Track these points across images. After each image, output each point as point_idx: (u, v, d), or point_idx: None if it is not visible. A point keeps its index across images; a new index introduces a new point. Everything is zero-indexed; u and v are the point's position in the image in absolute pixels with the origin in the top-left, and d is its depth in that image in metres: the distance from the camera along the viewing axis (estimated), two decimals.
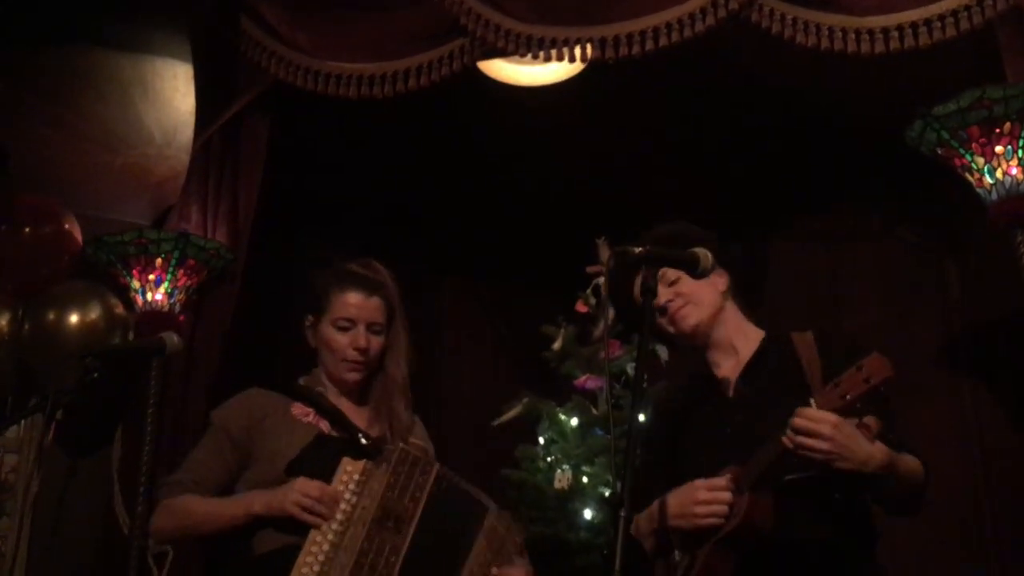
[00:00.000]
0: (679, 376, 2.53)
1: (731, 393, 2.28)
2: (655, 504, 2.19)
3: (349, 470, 2.19)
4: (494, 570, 2.25)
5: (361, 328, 2.36)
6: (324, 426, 2.33)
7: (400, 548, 2.16)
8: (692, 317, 2.30)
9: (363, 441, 2.27)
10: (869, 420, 1.97)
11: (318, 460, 2.23)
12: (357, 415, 2.39)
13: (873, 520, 2.19)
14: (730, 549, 2.07)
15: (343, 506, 2.16)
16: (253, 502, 2.21)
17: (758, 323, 2.37)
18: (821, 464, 1.98)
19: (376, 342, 2.38)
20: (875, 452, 1.97)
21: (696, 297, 2.30)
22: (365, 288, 2.38)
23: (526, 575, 2.31)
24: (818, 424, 1.95)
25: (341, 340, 2.36)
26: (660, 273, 2.17)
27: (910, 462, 2.08)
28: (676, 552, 2.20)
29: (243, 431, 2.31)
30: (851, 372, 1.94)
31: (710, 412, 2.27)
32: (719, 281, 2.33)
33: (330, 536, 2.13)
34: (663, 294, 2.26)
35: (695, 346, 2.37)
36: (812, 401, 1.99)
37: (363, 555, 2.12)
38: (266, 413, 2.33)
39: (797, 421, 1.97)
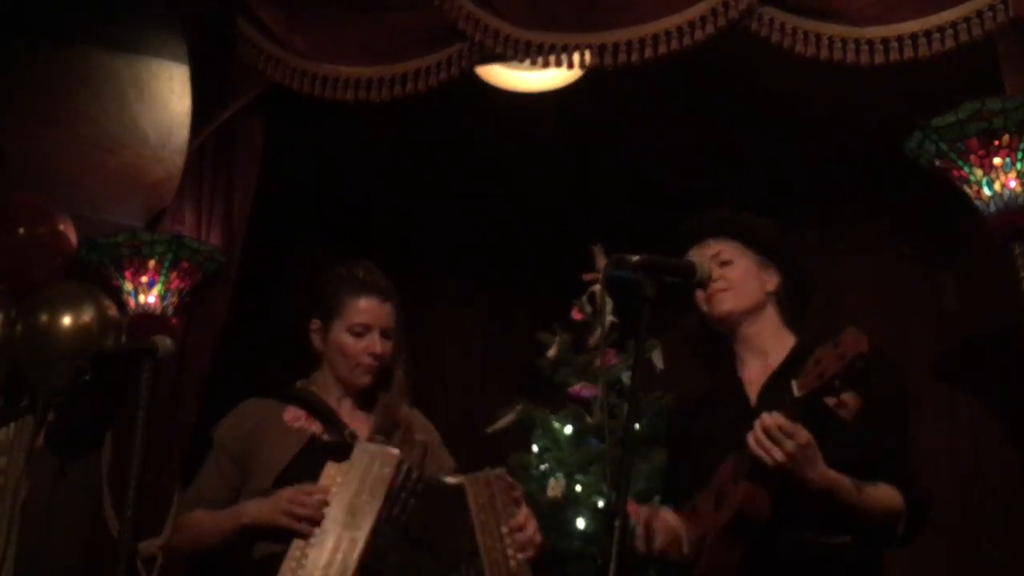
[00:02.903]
0: (705, 368, 2.47)
1: (754, 401, 2.25)
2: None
3: (331, 473, 2.21)
4: (504, 529, 2.26)
5: (376, 334, 2.41)
6: (316, 428, 2.36)
7: (357, 541, 2.15)
8: (727, 303, 2.27)
9: (350, 441, 2.29)
10: (847, 397, 1.95)
11: (306, 468, 2.25)
12: (355, 416, 2.43)
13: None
14: (734, 540, 2.06)
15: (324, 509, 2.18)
16: (242, 513, 2.25)
17: (796, 332, 2.34)
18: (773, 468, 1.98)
19: (388, 347, 2.43)
20: (818, 479, 1.99)
21: (739, 286, 2.28)
22: (379, 295, 2.43)
23: (526, 518, 2.32)
24: (784, 435, 1.95)
25: (356, 345, 2.40)
26: (715, 251, 2.25)
27: (876, 496, 2.07)
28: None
29: (238, 443, 2.36)
30: (827, 349, 1.94)
31: (731, 417, 2.23)
32: (769, 281, 2.32)
33: (310, 538, 2.16)
34: (712, 270, 2.25)
35: (723, 332, 2.34)
36: (793, 384, 1.99)
37: (333, 551, 2.14)
38: (259, 422, 2.38)
39: (767, 421, 1.97)
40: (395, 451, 2.25)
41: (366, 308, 2.41)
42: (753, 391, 2.27)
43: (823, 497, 2.01)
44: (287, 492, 2.19)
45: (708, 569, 2.08)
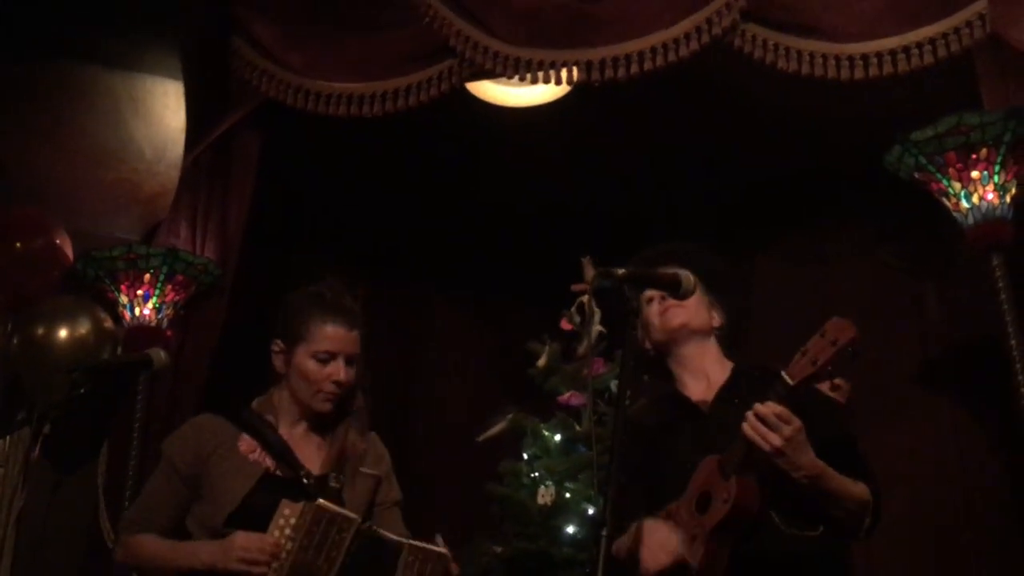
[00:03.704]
0: (646, 395, 2.56)
1: (707, 411, 2.33)
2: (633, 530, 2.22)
3: (287, 514, 2.17)
4: None
5: (341, 361, 2.35)
6: (270, 463, 2.31)
7: None
8: (680, 318, 2.36)
9: (305, 482, 2.26)
10: (840, 382, 2.12)
11: (261, 505, 2.22)
12: (309, 444, 2.38)
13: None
14: (726, 537, 2.10)
15: (280, 553, 2.15)
16: (196, 556, 2.22)
17: (733, 360, 2.44)
18: (766, 456, 2.06)
19: (351, 374, 2.37)
20: (814, 466, 2.08)
21: (692, 308, 2.37)
22: (346, 322, 2.36)
23: None
24: (782, 423, 2.03)
25: (320, 372, 2.34)
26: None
27: (851, 486, 2.15)
28: None
29: (190, 466, 2.31)
30: (816, 339, 2.04)
31: (688, 430, 2.30)
32: (715, 318, 2.43)
33: None
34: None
35: (666, 354, 2.41)
36: (784, 375, 2.07)
37: None
38: (214, 447, 2.32)
39: (763, 409, 2.05)
40: (353, 516, 2.20)
41: (332, 335, 2.33)
42: (703, 405, 2.34)
43: (809, 484, 2.08)
44: (240, 539, 2.16)
45: (702, 571, 2.11)
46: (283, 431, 2.37)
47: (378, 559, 2.20)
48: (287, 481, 2.26)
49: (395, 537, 2.25)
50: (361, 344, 2.39)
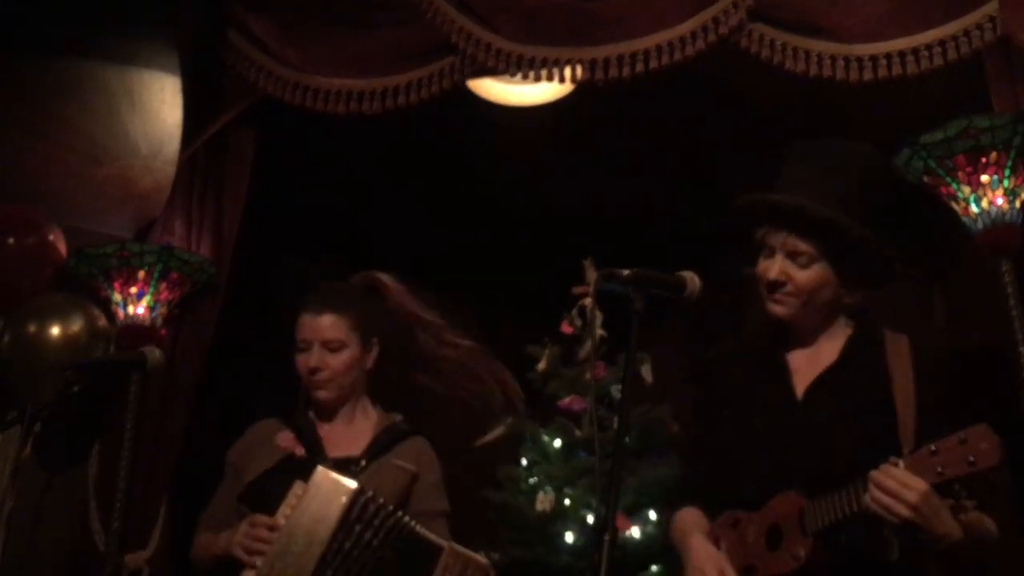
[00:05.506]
0: (743, 332, 2.32)
1: (800, 394, 2.11)
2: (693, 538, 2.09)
3: (299, 493, 2.20)
4: None
5: (315, 348, 2.38)
6: (300, 451, 2.37)
7: (306, 567, 2.15)
8: (786, 308, 2.10)
9: (320, 463, 2.28)
10: (968, 503, 1.83)
11: (275, 483, 2.28)
12: (343, 435, 2.42)
13: None
14: None
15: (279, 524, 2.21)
16: (220, 541, 2.30)
17: (853, 319, 2.18)
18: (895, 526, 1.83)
19: (335, 360, 2.38)
20: (954, 530, 1.83)
21: (805, 292, 2.08)
22: (315, 308, 2.41)
23: None
24: (905, 489, 1.78)
25: (299, 362, 2.40)
26: (792, 248, 2.07)
27: (985, 528, 1.94)
28: None
29: (239, 459, 2.41)
30: (952, 443, 1.77)
31: (774, 407, 2.10)
32: (848, 295, 2.14)
33: (258, 562, 2.19)
34: (776, 265, 2.08)
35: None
36: (901, 463, 1.82)
37: None
38: (259, 440, 2.41)
39: (883, 480, 1.80)
40: (351, 483, 2.20)
41: (301, 323, 2.41)
42: (800, 381, 2.12)
43: (950, 553, 1.86)
44: (243, 526, 2.22)
45: None
46: (320, 424, 2.43)
47: (413, 559, 2.20)
48: (306, 463, 2.30)
49: (434, 537, 2.24)
50: (350, 329, 2.39)
